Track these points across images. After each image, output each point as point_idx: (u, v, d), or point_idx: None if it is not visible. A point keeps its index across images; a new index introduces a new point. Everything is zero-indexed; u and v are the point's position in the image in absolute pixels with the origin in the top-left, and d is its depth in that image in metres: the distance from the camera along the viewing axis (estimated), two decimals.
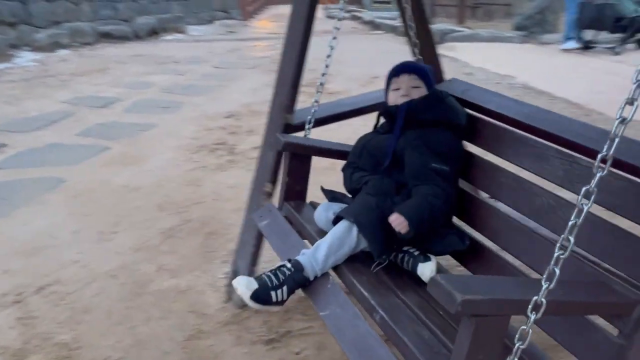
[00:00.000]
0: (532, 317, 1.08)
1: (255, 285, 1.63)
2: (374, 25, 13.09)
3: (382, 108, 2.06)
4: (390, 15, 14.61)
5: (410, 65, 2.09)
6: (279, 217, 2.12)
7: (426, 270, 1.67)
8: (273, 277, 1.65)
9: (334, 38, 2.20)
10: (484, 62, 7.12)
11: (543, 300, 1.08)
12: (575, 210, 1.13)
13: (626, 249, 1.35)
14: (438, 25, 10.39)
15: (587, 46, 7.43)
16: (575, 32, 7.50)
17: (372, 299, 1.51)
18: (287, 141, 2.09)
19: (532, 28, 9.22)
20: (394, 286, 1.64)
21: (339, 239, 1.69)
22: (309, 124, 2.29)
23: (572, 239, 1.12)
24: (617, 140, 1.11)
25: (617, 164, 1.28)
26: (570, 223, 1.12)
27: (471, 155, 1.99)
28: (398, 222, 1.64)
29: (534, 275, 1.54)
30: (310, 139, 2.27)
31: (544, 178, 1.66)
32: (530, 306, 1.09)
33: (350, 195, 2.02)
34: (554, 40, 8.51)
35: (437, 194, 1.73)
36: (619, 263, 1.36)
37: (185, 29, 13.17)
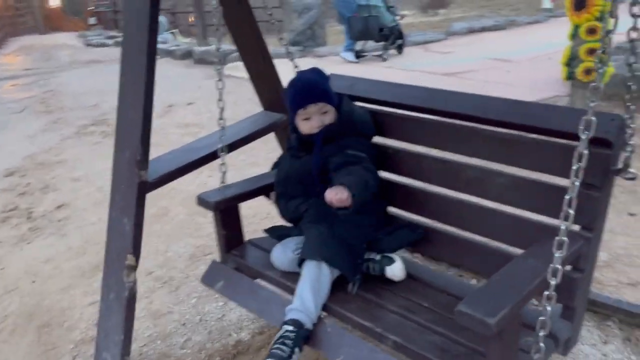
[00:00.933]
0: (548, 307, 1.27)
1: None
2: None
3: (294, 136, 2.00)
4: (161, 39, 14.10)
5: (315, 93, 1.93)
6: (232, 273, 2.01)
7: (396, 270, 1.79)
8: (284, 347, 1.57)
9: None
10: None
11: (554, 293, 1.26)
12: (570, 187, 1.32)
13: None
14: (212, 47, 10.33)
15: (358, 55, 8.15)
16: (351, 44, 8.18)
17: (376, 327, 1.57)
18: (217, 200, 2.00)
19: (306, 42, 9.77)
20: (382, 300, 1.72)
21: (316, 280, 1.70)
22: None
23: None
24: None
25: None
26: (566, 198, 1.31)
27: (386, 148, 2.04)
28: (339, 196, 1.63)
29: (492, 244, 1.78)
30: (231, 186, 2.13)
31: (465, 154, 1.81)
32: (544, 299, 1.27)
33: (291, 224, 2.01)
34: (328, 52, 9.14)
35: (368, 168, 1.79)
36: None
37: None
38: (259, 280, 2.00)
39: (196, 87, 7.91)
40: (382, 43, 8.24)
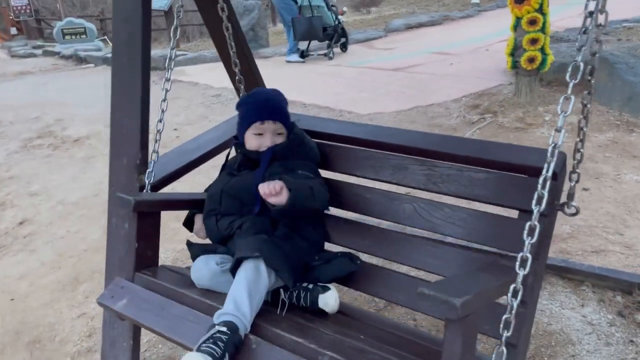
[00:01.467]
0: (515, 303, 1.20)
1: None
2: (78, 59, 11.96)
3: (239, 150, 1.91)
4: (93, 47, 13.61)
5: (276, 111, 1.90)
6: (139, 290, 1.70)
7: (329, 300, 1.61)
8: (216, 347, 1.36)
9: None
10: (225, 81, 7.24)
11: (520, 286, 1.21)
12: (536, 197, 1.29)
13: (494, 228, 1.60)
14: (156, 51, 10.13)
15: (304, 55, 8.24)
16: (295, 46, 8.25)
17: (310, 343, 1.36)
18: (138, 199, 1.73)
19: (249, 44, 9.74)
20: (313, 324, 1.53)
21: (253, 282, 1.49)
22: (149, 179, 1.93)
23: (537, 223, 1.26)
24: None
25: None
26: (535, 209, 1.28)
27: (329, 181, 1.95)
28: (272, 186, 1.56)
29: (431, 277, 1.65)
30: (158, 193, 1.97)
31: (406, 186, 1.80)
32: (510, 294, 1.20)
33: (221, 245, 1.81)
34: (272, 53, 9.18)
35: (319, 183, 1.77)
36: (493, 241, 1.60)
37: None
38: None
39: None
40: (326, 42, 8.37)
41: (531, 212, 1.33)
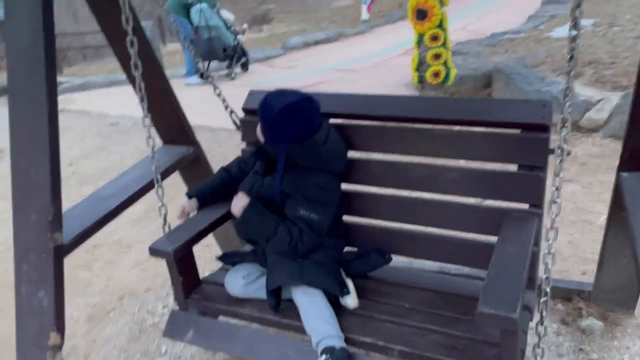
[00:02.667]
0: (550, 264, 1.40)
1: None
2: None
3: (257, 149, 1.91)
4: None
5: (267, 135, 1.79)
6: (200, 319, 1.86)
7: (349, 301, 1.75)
8: None
9: None
10: (122, 108, 6.77)
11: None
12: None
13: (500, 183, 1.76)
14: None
15: (204, 77, 7.95)
16: (194, 68, 7.94)
17: (378, 341, 1.58)
18: (174, 248, 1.75)
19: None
20: (367, 311, 1.73)
21: (325, 305, 1.67)
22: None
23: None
24: None
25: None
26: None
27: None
28: (241, 202, 1.76)
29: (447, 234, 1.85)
30: (180, 228, 1.88)
31: (412, 154, 1.87)
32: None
33: (249, 246, 1.96)
34: (169, 75, 8.74)
35: (292, 235, 1.71)
36: None
37: None
38: (225, 318, 1.93)
39: None
40: (226, 62, 8.15)
41: (529, 166, 1.63)
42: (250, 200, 1.78)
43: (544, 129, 1.61)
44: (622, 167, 1.77)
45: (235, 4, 18.48)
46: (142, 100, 1.84)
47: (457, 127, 1.79)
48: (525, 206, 1.70)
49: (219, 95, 2.22)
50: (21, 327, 1.68)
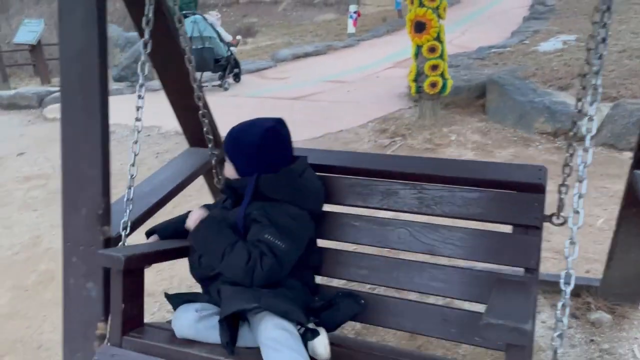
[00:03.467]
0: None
1: None
2: None
3: (225, 186, 1.72)
4: None
5: (228, 149, 1.70)
6: (136, 356, 1.50)
7: (319, 347, 1.42)
8: None
9: None
10: (117, 117, 6.78)
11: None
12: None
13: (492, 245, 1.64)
14: (27, 89, 9.28)
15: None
16: None
17: None
18: (128, 255, 1.50)
19: (132, 77, 9.30)
20: None
21: (285, 339, 1.35)
22: (125, 229, 1.75)
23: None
24: None
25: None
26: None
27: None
28: (197, 214, 1.65)
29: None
30: (146, 245, 1.74)
31: (398, 210, 1.76)
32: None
33: (201, 286, 1.66)
34: (160, 86, 8.81)
35: (251, 255, 1.47)
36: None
37: None
38: None
39: (18, 135, 6.99)
40: (218, 73, 8.25)
41: (525, 226, 1.52)
42: (208, 214, 1.64)
43: (540, 190, 1.59)
44: (636, 166, 1.90)
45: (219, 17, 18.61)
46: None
47: (449, 185, 1.72)
48: (519, 270, 1.61)
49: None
50: (69, 318, 1.73)
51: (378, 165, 1.86)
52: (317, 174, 1.78)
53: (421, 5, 4.60)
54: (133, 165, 1.74)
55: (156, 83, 9.81)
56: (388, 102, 6.29)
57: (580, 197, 1.39)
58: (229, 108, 7.08)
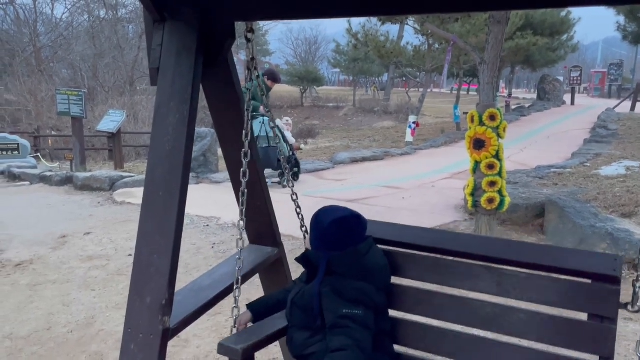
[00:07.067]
0: None
1: None
2: (12, 176, 11.41)
3: (302, 255, 1.99)
4: (27, 164, 13.08)
5: (312, 241, 1.99)
6: None
7: None
8: None
9: None
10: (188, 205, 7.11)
11: None
12: None
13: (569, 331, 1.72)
14: (101, 172, 9.92)
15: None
16: None
17: None
18: (244, 347, 1.82)
19: (198, 169, 9.82)
20: None
21: None
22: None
23: None
24: None
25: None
26: None
27: (397, 286, 2.03)
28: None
29: None
30: (248, 331, 1.97)
31: (480, 292, 1.88)
32: None
33: None
34: (223, 179, 9.23)
35: (345, 346, 1.70)
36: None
37: None
38: None
39: (87, 215, 7.39)
40: (279, 171, 8.58)
41: (600, 316, 1.63)
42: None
43: (615, 281, 1.67)
44: None
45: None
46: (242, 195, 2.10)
47: (526, 270, 1.83)
48: (595, 358, 1.69)
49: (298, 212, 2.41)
50: None
51: (460, 247, 1.98)
52: (400, 250, 2.04)
53: (481, 123, 4.75)
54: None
55: (219, 176, 10.21)
56: (444, 212, 6.31)
57: None
58: (285, 204, 7.29)
